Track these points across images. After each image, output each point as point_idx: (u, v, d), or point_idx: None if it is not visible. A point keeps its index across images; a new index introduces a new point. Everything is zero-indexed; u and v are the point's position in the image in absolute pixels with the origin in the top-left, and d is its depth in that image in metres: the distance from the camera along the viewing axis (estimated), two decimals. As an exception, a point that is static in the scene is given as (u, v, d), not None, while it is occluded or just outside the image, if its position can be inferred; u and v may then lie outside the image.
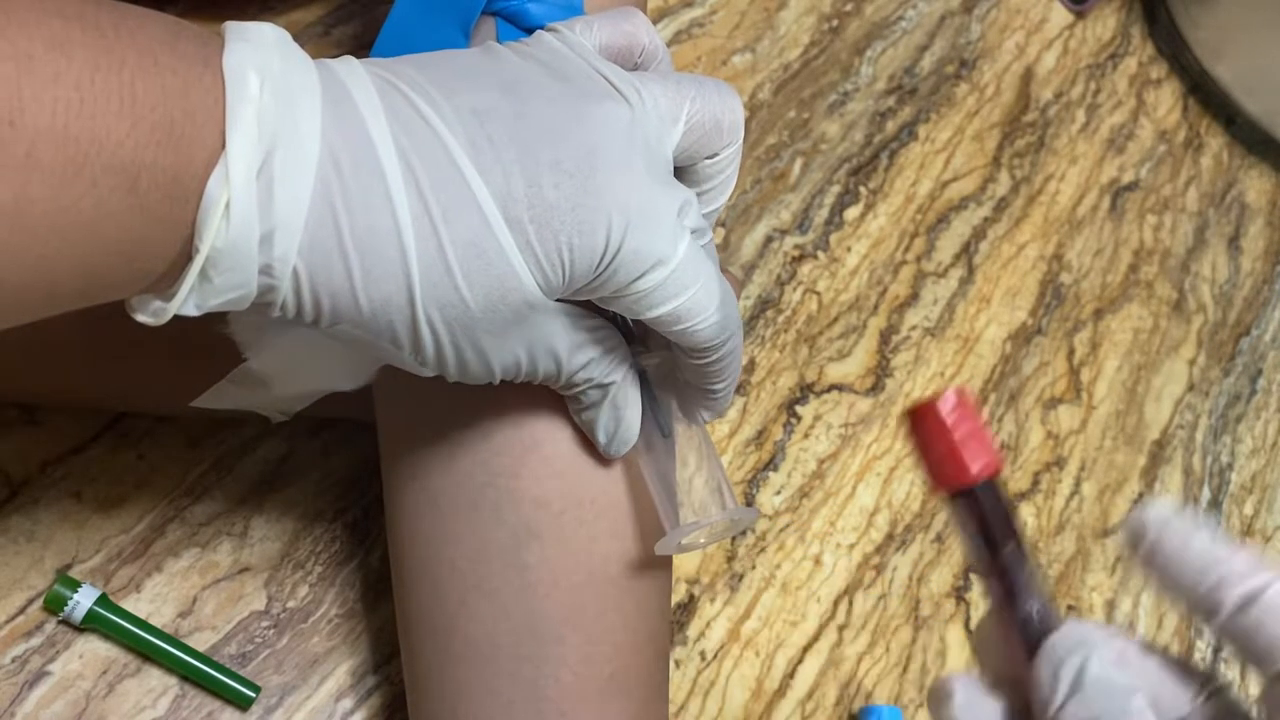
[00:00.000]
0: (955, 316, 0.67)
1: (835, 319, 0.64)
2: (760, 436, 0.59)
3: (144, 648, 0.43)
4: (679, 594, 0.53)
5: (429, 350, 0.29)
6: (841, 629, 0.55)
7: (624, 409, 0.36)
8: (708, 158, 0.33)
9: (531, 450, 0.38)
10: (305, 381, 0.40)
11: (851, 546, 0.57)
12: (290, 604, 0.46)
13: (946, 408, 0.28)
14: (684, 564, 0.54)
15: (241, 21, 0.27)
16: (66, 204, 0.23)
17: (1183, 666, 0.27)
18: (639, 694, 0.40)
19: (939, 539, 0.59)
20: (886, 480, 0.60)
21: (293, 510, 0.48)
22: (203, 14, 0.49)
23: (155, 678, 0.43)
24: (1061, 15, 0.84)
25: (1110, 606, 0.62)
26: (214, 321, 0.37)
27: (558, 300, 0.31)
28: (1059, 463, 0.65)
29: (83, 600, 0.42)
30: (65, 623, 0.43)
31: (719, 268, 0.34)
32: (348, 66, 0.28)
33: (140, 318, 0.28)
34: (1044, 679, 0.26)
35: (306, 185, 0.26)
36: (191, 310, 0.27)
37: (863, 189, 0.68)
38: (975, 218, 0.71)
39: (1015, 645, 0.28)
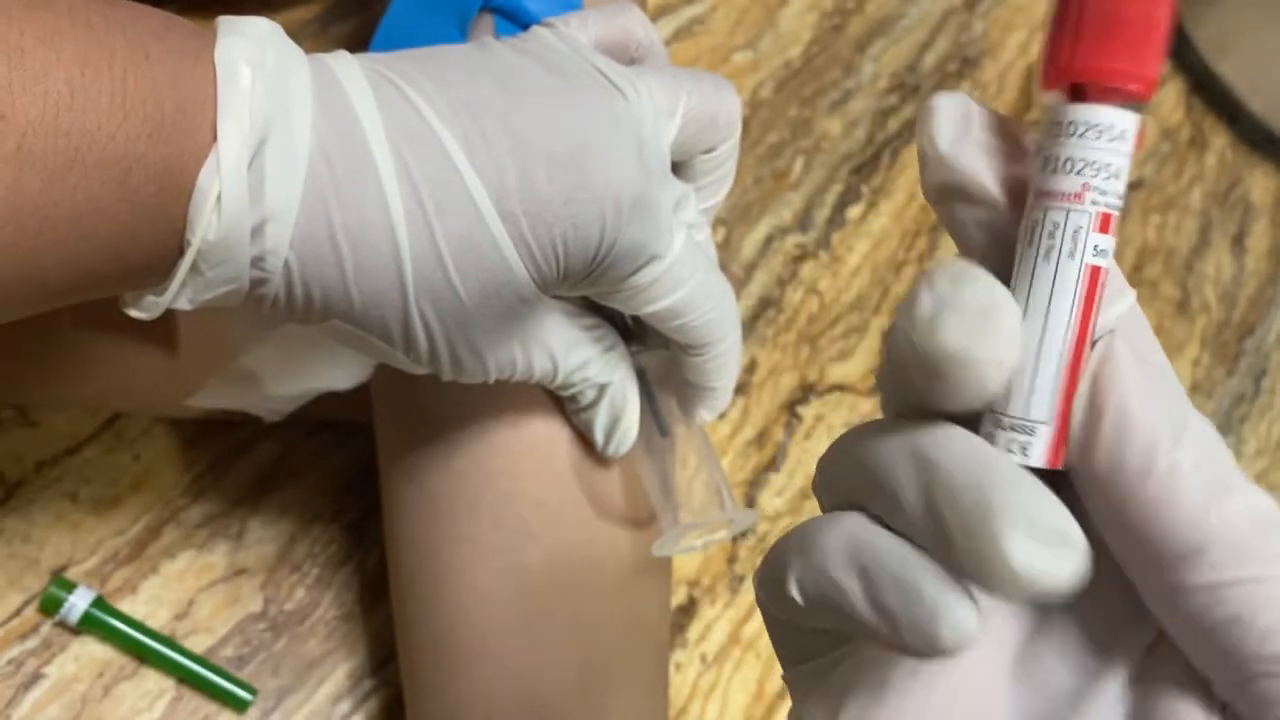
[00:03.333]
0: (958, 316, 0.66)
1: (837, 319, 0.63)
2: (761, 437, 0.58)
3: (140, 650, 0.43)
4: (680, 596, 0.53)
5: (421, 346, 0.29)
6: (844, 631, 0.55)
7: (622, 409, 0.36)
8: (704, 153, 0.33)
9: (530, 451, 0.37)
10: (298, 380, 0.39)
11: (854, 547, 0.57)
12: (287, 606, 0.46)
13: None
14: (684, 566, 0.53)
15: (234, 15, 0.27)
16: (58, 197, 0.23)
17: None
18: (638, 696, 0.40)
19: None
20: (889, 481, 0.59)
21: (289, 512, 0.48)
22: (198, 10, 0.49)
23: (151, 680, 0.43)
24: (1064, 14, 0.83)
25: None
26: (207, 319, 0.37)
27: (554, 297, 0.31)
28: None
29: (78, 602, 0.42)
30: (61, 625, 0.43)
31: (717, 264, 0.34)
32: (340, 60, 0.28)
33: (133, 312, 0.28)
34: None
35: (298, 177, 0.26)
36: (184, 304, 0.27)
37: (865, 187, 0.68)
38: (978, 217, 0.71)
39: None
